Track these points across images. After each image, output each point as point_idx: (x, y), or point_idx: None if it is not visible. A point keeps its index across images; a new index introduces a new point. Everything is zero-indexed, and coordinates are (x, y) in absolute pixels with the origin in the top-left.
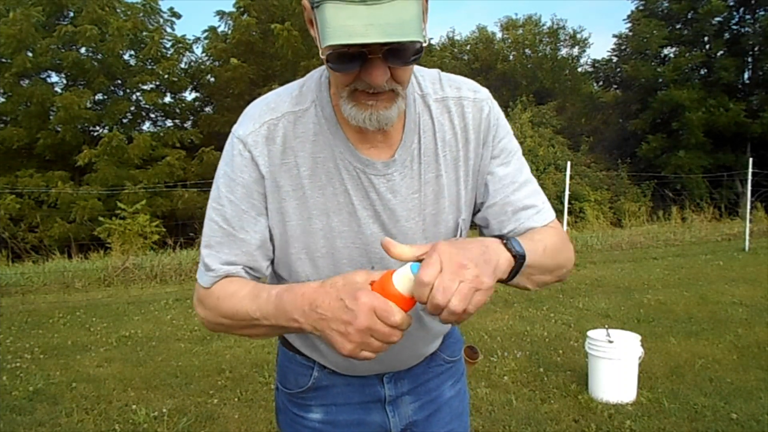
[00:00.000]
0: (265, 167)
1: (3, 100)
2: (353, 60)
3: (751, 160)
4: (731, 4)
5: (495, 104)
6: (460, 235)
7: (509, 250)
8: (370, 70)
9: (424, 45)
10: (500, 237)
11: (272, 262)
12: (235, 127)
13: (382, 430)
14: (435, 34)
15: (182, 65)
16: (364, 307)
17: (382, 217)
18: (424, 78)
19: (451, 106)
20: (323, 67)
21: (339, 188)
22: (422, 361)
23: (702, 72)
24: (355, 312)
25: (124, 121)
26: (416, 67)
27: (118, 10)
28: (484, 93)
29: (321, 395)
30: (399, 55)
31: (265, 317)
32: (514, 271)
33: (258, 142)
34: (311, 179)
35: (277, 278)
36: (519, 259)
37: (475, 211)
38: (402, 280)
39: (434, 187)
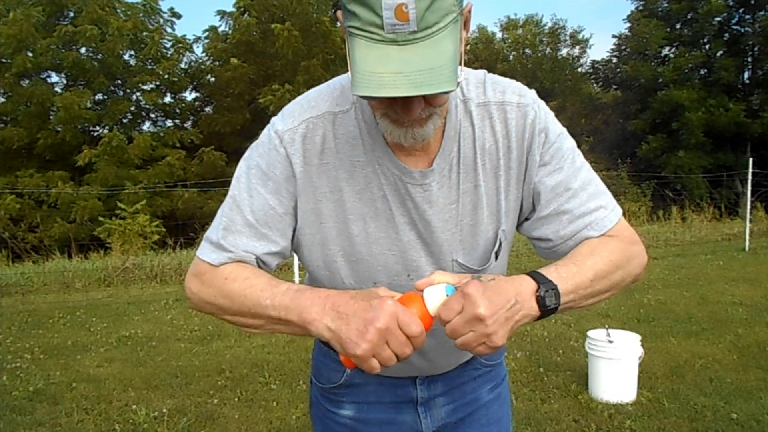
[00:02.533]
0: (299, 166)
1: (3, 100)
2: None
3: (751, 160)
4: (731, 4)
5: (542, 107)
6: (500, 246)
7: (539, 305)
8: (403, 104)
9: (460, 81)
10: (538, 282)
11: (296, 260)
12: (274, 119)
13: (414, 431)
14: None
15: (182, 65)
16: (388, 308)
17: (419, 227)
18: (468, 80)
19: (493, 111)
20: None
21: (377, 194)
22: (458, 366)
23: (702, 72)
24: (378, 312)
25: (124, 121)
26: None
27: (118, 10)
28: (530, 97)
29: (353, 392)
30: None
31: (274, 307)
32: (542, 318)
33: (295, 140)
34: (349, 183)
35: (315, 279)
36: (547, 313)
37: (524, 220)
38: (434, 298)
39: (472, 197)
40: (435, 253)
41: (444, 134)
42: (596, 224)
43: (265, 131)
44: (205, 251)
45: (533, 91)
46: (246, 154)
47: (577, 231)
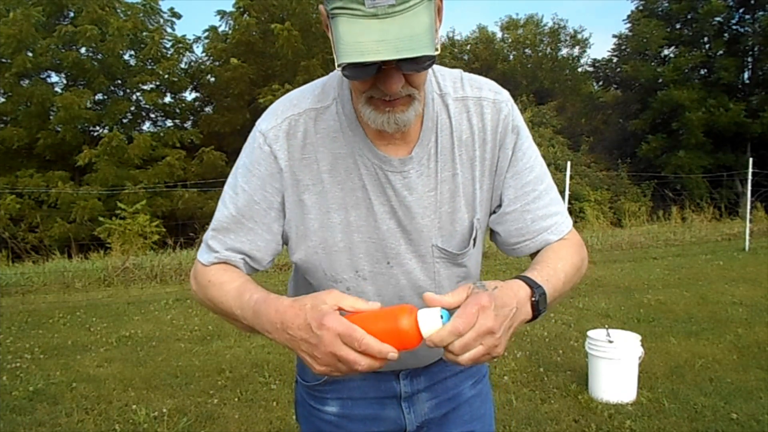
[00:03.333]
0: (284, 161)
1: (3, 100)
2: (368, 69)
3: (751, 160)
4: (731, 4)
5: (515, 108)
6: (475, 235)
7: (533, 309)
8: (385, 79)
9: (437, 53)
10: (532, 288)
11: (285, 254)
12: (258, 121)
13: (398, 426)
14: None
15: (182, 65)
16: (328, 333)
17: (398, 214)
18: (444, 77)
19: (471, 105)
20: None
21: (357, 183)
22: (440, 360)
23: (702, 72)
24: (320, 337)
25: (124, 121)
26: (437, 66)
27: (118, 10)
28: (505, 95)
29: (337, 388)
30: (413, 63)
31: (244, 318)
32: (530, 322)
33: (279, 136)
34: (331, 174)
35: (299, 273)
36: (537, 316)
37: (491, 213)
38: (428, 324)
39: (450, 186)
40: (415, 240)
41: (422, 125)
42: (556, 228)
43: (251, 133)
44: (200, 251)
45: (507, 92)
46: (237, 159)
47: (539, 232)
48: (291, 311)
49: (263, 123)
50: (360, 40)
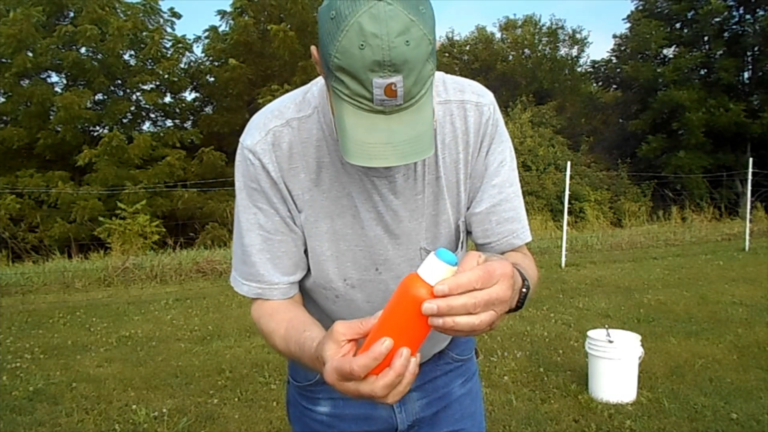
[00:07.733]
0: (275, 173)
1: (3, 100)
2: None
3: (751, 160)
4: (731, 4)
5: (497, 111)
6: (462, 237)
7: (519, 300)
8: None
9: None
10: (523, 280)
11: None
12: (242, 137)
13: (389, 426)
14: None
15: (182, 65)
16: (336, 383)
17: (386, 218)
18: None
19: (454, 109)
20: None
21: (342, 191)
22: (430, 359)
23: (702, 72)
24: (339, 389)
25: (124, 121)
26: None
27: (118, 10)
28: (488, 98)
29: (329, 388)
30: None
31: (300, 360)
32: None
33: (266, 150)
34: (316, 183)
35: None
36: (514, 310)
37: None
38: (432, 274)
39: (434, 189)
40: (403, 244)
41: None
42: (520, 234)
43: (238, 151)
44: (236, 283)
45: (491, 94)
46: (235, 184)
47: (504, 236)
48: (314, 352)
49: (248, 139)
50: (368, 140)
